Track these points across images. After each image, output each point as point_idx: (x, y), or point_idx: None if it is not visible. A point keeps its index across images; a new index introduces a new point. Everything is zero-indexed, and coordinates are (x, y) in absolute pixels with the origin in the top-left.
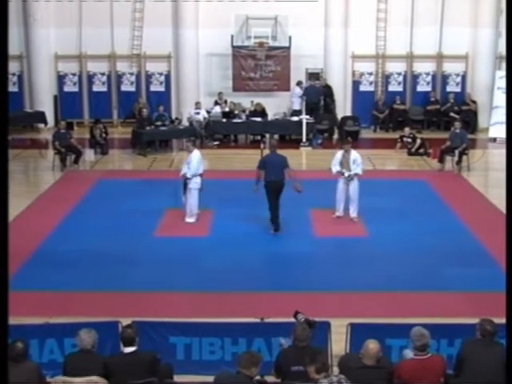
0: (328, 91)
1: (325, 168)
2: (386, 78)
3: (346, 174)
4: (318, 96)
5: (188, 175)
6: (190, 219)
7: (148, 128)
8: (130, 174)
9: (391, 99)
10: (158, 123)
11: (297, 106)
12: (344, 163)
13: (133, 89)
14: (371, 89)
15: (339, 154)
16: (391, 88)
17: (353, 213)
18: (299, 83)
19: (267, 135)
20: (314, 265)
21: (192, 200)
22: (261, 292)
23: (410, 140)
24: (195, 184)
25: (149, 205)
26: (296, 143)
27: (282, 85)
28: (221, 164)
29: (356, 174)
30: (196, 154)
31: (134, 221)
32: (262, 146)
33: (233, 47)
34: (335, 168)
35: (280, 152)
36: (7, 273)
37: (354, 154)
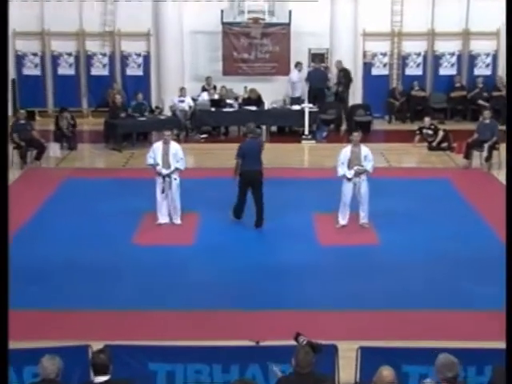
0: (345, 77)
1: (331, 165)
2: (403, 60)
3: (355, 167)
4: (324, 81)
5: (182, 167)
6: (177, 220)
7: (123, 115)
8: (103, 173)
9: (409, 84)
10: (136, 114)
11: (296, 93)
12: (354, 160)
13: (105, 72)
14: (385, 72)
15: (347, 149)
16: (409, 71)
17: (363, 218)
18: (298, 65)
19: (263, 127)
20: (318, 278)
21: (178, 199)
22: (256, 310)
23: (430, 132)
24: (178, 180)
25: (125, 208)
26: (297, 136)
27: (280, 68)
28: (209, 160)
29: (366, 171)
30: (176, 144)
31: (107, 227)
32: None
33: (223, 24)
34: (342, 168)
35: (280, 147)
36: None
37: (365, 150)
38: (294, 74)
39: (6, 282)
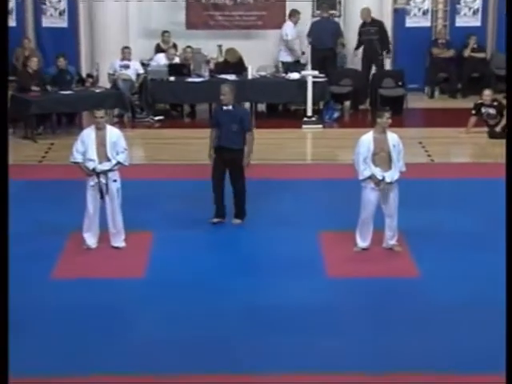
0: (381, 33)
1: (345, 161)
2: (452, 5)
3: (388, 179)
4: (333, 37)
5: (126, 162)
6: (120, 242)
7: (35, 88)
8: (9, 172)
9: (461, 41)
10: (56, 88)
11: (290, 56)
12: (379, 152)
13: (11, 23)
14: (426, 23)
15: (368, 138)
16: (461, 21)
17: (391, 238)
18: (293, 14)
19: (246, 104)
20: (326, 327)
21: (119, 210)
22: (238, 374)
23: (492, 111)
24: (118, 181)
25: (42, 224)
26: (296, 118)
27: (271, 18)
28: (166, 153)
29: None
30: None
31: (14, 254)
32: None
33: None
34: (365, 168)
35: (271, 134)
36: None
37: (393, 137)
38: (289, 28)
39: None
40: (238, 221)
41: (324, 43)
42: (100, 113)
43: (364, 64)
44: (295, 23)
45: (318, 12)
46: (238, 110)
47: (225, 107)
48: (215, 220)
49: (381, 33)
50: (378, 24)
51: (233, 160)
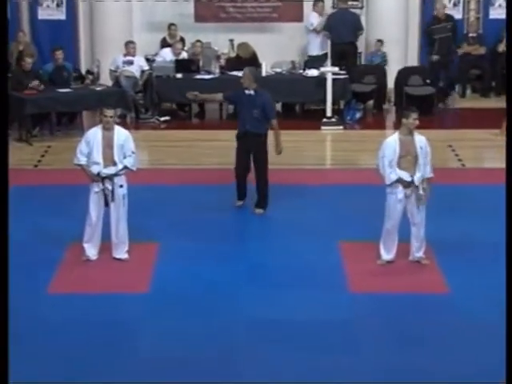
0: (453, 31)
1: (368, 165)
2: None
3: (417, 182)
4: (353, 30)
5: (134, 167)
6: (122, 254)
7: (35, 83)
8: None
9: (495, 35)
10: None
11: (315, 50)
12: (406, 155)
13: None
14: (456, 15)
15: (393, 139)
16: (495, 13)
17: (418, 250)
18: (317, 3)
19: None
20: (346, 346)
21: (124, 219)
22: None
23: None
24: (124, 187)
25: (38, 234)
26: (315, 119)
27: (287, 10)
28: (172, 157)
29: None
30: (123, 131)
31: (10, 264)
32: None
33: None
34: (391, 171)
35: (287, 136)
36: None
37: (420, 139)
38: (313, 18)
39: None
40: (260, 210)
41: (342, 37)
42: (110, 112)
43: (436, 65)
44: (320, 13)
45: (338, 2)
46: (259, 96)
47: (246, 91)
48: (240, 203)
49: (454, 29)
50: (451, 19)
51: (257, 145)
